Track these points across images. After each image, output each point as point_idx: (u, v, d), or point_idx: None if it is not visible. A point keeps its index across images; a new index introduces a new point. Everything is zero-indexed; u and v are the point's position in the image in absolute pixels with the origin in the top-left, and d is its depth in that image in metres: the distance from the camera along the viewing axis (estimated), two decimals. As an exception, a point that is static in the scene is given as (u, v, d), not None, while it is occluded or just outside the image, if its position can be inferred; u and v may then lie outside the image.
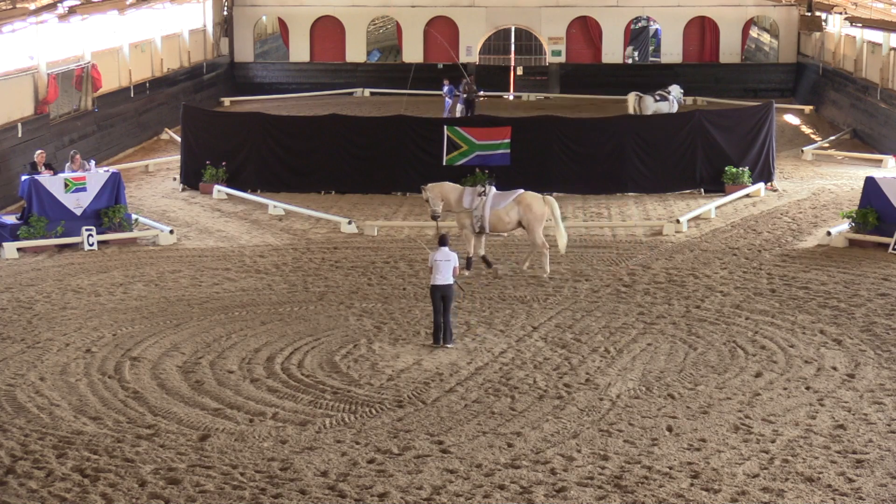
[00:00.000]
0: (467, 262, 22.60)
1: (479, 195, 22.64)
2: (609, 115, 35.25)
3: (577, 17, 51.32)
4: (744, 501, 12.95)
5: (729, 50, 51.48)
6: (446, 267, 18.33)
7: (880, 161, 34.71)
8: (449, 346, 18.31)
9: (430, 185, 23.08)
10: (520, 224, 22.86)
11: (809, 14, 45.07)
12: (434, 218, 23.03)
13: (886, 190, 25.08)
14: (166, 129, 41.06)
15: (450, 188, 23.03)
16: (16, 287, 22.03)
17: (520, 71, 51.87)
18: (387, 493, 13.14)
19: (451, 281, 18.41)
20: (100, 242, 25.09)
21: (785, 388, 16.48)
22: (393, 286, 21.97)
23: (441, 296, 18.30)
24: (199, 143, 31.59)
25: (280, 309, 20.52)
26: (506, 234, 24.27)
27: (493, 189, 22.96)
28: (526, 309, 20.50)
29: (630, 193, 30.83)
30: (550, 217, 22.84)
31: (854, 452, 14.22)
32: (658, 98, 39.22)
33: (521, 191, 23.17)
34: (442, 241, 18.69)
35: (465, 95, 41.40)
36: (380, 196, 30.65)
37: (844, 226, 25.57)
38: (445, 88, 41.12)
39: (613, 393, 16.31)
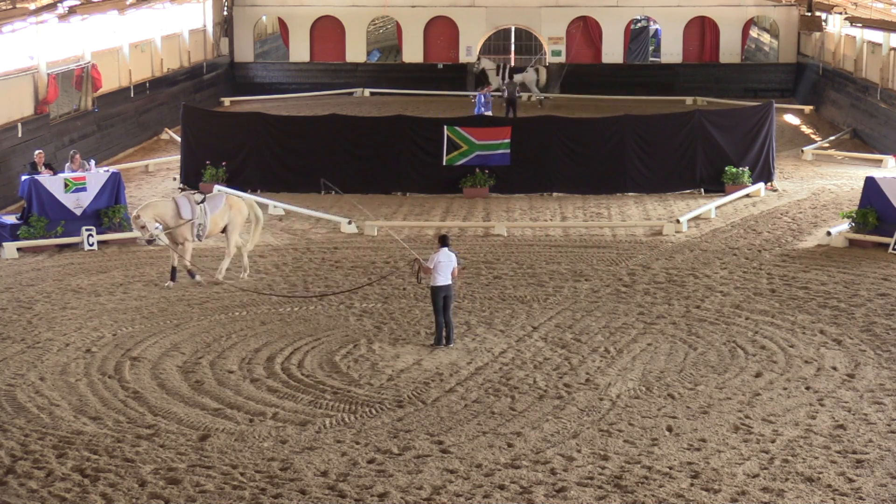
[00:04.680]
0: (191, 273, 22.26)
1: (199, 203, 22.15)
2: (609, 115, 35.22)
3: (577, 17, 51.32)
4: (744, 501, 12.95)
5: (729, 50, 51.49)
6: (448, 268, 18.32)
7: (880, 161, 34.71)
8: (450, 345, 18.31)
9: (138, 211, 22.07)
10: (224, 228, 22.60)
11: (809, 14, 45.08)
12: (149, 242, 22.35)
13: (886, 190, 25.07)
14: (166, 129, 41.08)
15: (162, 206, 22.25)
16: (16, 287, 22.03)
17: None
18: (387, 493, 13.14)
19: (450, 281, 18.42)
20: (100, 242, 25.09)
21: (785, 388, 16.48)
22: (393, 286, 21.96)
23: (443, 296, 18.29)
24: (199, 143, 31.59)
25: (280, 309, 20.51)
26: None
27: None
28: (526, 309, 20.50)
29: (630, 193, 30.83)
30: (252, 218, 22.78)
31: (854, 452, 14.22)
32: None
33: (224, 194, 23.13)
34: (443, 241, 18.63)
35: (506, 96, 41.98)
36: (380, 196, 30.66)
37: (844, 226, 25.56)
38: (482, 97, 40.33)
39: (613, 393, 16.31)
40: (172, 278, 22.14)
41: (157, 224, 22.00)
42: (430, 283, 18.44)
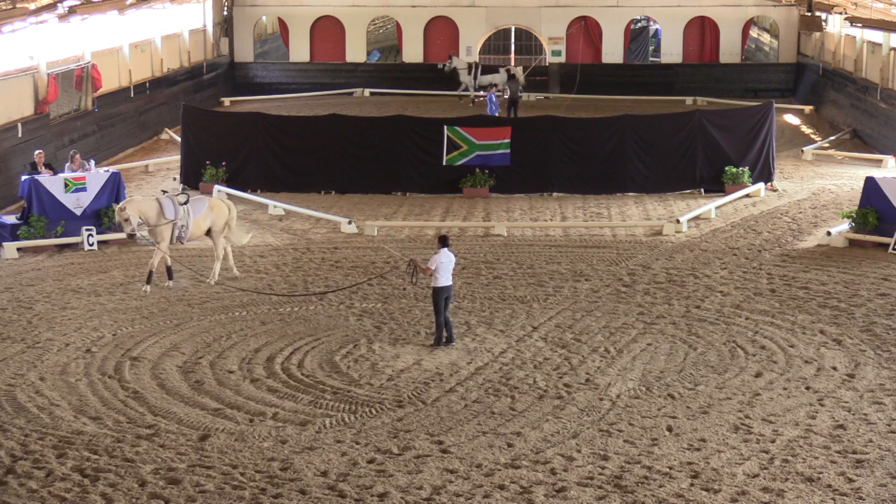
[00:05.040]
0: (149, 277, 21.74)
1: (182, 204, 21.87)
2: (609, 115, 35.21)
3: (577, 17, 51.32)
4: (744, 501, 12.96)
5: (729, 50, 51.48)
6: (449, 268, 18.31)
7: (880, 161, 34.71)
8: (451, 345, 18.29)
9: (124, 203, 21.87)
10: (207, 231, 22.35)
11: (809, 14, 45.05)
12: (131, 237, 22.17)
13: (886, 190, 25.08)
14: (166, 129, 41.08)
15: (146, 204, 21.97)
16: (16, 287, 22.03)
17: (519, 71, 51.86)
18: (387, 493, 13.14)
19: (451, 281, 18.43)
20: (100, 242, 25.09)
21: (785, 388, 16.48)
22: (393, 286, 21.96)
23: (445, 297, 18.28)
24: (199, 143, 31.60)
25: (280, 309, 20.51)
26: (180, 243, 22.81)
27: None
28: (526, 309, 20.50)
29: (630, 193, 30.83)
30: (229, 220, 22.58)
31: (854, 452, 14.23)
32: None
33: (207, 197, 22.90)
34: (444, 241, 18.56)
35: (508, 95, 42.00)
36: (380, 196, 30.67)
37: (844, 226, 25.56)
38: (493, 96, 40.99)
39: (613, 393, 16.31)
40: (170, 277, 22.09)
41: (140, 221, 21.88)
42: (431, 283, 18.42)
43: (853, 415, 15.48)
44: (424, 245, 25.22)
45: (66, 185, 25.49)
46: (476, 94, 47.31)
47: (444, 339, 18.35)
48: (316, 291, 21.49)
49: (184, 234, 22.02)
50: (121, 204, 22.08)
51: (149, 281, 21.78)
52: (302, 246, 25.39)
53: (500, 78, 46.76)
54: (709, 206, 28.52)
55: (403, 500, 12.99)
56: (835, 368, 17.34)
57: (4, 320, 19.84)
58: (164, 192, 22.98)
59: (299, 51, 52.17)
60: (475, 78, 46.76)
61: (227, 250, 22.71)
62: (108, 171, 26.67)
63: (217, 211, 22.49)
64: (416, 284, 19.81)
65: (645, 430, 14.94)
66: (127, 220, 21.63)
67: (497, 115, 39.22)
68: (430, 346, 18.35)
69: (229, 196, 30.16)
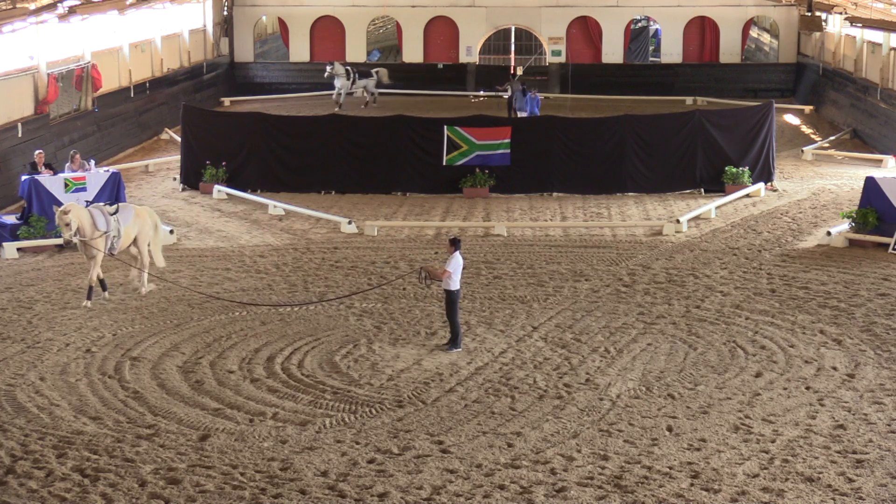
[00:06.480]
0: (89, 292, 20.78)
1: (113, 214, 20.99)
2: (609, 115, 35.19)
3: (577, 17, 51.33)
4: (744, 501, 12.96)
5: (729, 50, 51.49)
6: (460, 270, 18.24)
7: (880, 161, 34.71)
8: (459, 349, 18.21)
9: (68, 207, 20.72)
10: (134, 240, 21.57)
11: (809, 14, 45.05)
12: (67, 244, 21.34)
13: (886, 190, 25.09)
14: (166, 129, 41.07)
15: (84, 214, 20.69)
16: (16, 287, 22.02)
17: (520, 71, 51.89)
18: (387, 493, 13.14)
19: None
20: (100, 242, 25.06)
21: (785, 388, 16.48)
22: (393, 286, 21.95)
23: (457, 300, 18.24)
24: (199, 143, 31.60)
25: (280, 309, 20.51)
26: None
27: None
28: (526, 309, 20.50)
29: (630, 193, 30.83)
30: (153, 228, 21.89)
31: (854, 452, 14.23)
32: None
33: (133, 205, 22.24)
34: (457, 244, 18.30)
35: (509, 95, 41.75)
36: (380, 196, 30.68)
37: (844, 226, 25.56)
38: (538, 98, 40.13)
39: (613, 393, 16.31)
40: (88, 297, 20.86)
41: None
42: (447, 286, 18.18)
43: (853, 415, 15.48)
44: (424, 245, 25.24)
45: (66, 185, 25.50)
46: (475, 94, 47.25)
47: (451, 344, 18.28)
48: (308, 301, 21.43)
49: (115, 245, 21.10)
50: (65, 206, 20.87)
51: (89, 297, 20.85)
52: (302, 246, 25.39)
53: (372, 81, 46.81)
54: (709, 206, 28.52)
55: (403, 500, 12.99)
56: (835, 368, 17.34)
57: (4, 320, 19.84)
58: (88, 202, 22.38)
59: (299, 51, 52.18)
60: (353, 83, 46.62)
61: (142, 260, 21.78)
62: (108, 171, 26.68)
63: (142, 219, 21.68)
64: (430, 287, 19.83)
65: (645, 430, 14.94)
66: (68, 224, 20.43)
67: (538, 115, 38.38)
68: (432, 347, 18.29)
69: (229, 196, 30.30)
